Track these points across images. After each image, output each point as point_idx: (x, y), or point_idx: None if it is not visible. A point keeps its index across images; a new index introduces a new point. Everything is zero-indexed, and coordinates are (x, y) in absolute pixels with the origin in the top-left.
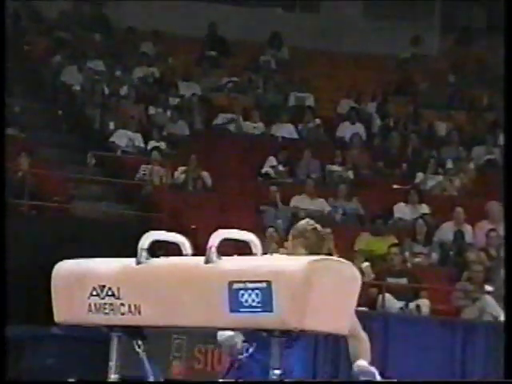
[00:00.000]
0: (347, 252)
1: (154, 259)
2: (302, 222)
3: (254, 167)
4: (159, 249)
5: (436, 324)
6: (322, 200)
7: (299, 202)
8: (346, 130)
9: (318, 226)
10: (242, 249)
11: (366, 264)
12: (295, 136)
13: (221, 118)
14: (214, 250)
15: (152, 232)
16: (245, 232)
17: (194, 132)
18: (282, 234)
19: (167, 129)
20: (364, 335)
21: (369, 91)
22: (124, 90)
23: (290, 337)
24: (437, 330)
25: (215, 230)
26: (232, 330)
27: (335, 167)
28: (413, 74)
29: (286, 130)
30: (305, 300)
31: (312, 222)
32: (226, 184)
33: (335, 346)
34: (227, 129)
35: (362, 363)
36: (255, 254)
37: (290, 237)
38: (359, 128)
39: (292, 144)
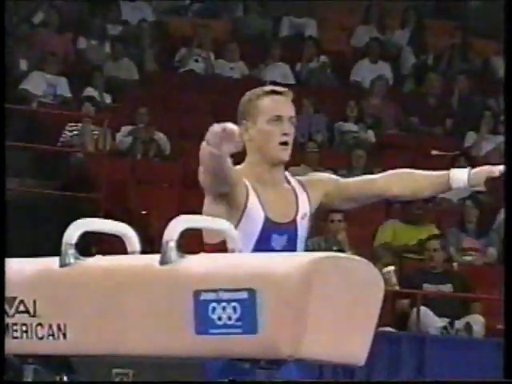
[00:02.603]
0: (365, 247)
1: (86, 259)
2: None
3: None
4: (94, 244)
5: (493, 348)
6: (328, 172)
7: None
8: (364, 72)
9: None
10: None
11: (390, 268)
12: (290, 80)
13: (183, 55)
14: (172, 244)
15: (83, 220)
16: (217, 219)
17: (143, 75)
18: None
19: (105, 70)
20: None
21: (397, 14)
22: (40, 15)
23: (281, 366)
24: (494, 356)
25: (175, 215)
26: (199, 359)
27: (349, 125)
28: None
29: (277, 72)
30: (303, 316)
31: None
32: (190, 150)
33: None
34: (192, 70)
35: None
36: (232, 251)
37: None
38: (383, 68)
39: None
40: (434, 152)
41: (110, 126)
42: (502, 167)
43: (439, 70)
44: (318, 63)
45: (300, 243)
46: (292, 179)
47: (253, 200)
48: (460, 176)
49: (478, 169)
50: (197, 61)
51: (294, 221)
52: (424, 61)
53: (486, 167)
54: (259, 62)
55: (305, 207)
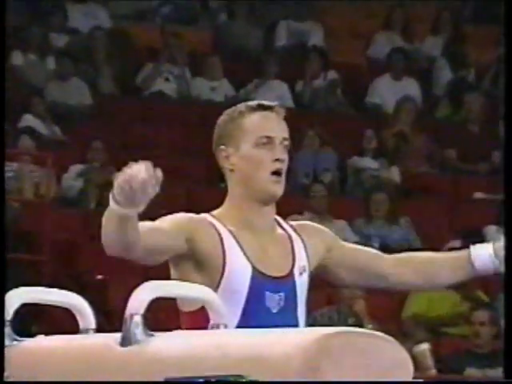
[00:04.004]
0: (390, 320)
1: (24, 341)
2: None
3: (211, 163)
4: (35, 320)
5: None
6: (340, 222)
7: None
8: (385, 92)
9: None
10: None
11: (424, 346)
12: (289, 103)
13: (149, 72)
14: (138, 320)
15: (21, 289)
16: (195, 285)
17: (98, 99)
18: None
19: (48, 93)
20: None
21: (427, 18)
22: None
23: None
24: None
25: (140, 282)
26: None
27: (366, 161)
28: None
29: (271, 93)
30: None
31: None
32: (159, 196)
33: None
34: (161, 92)
35: None
36: (216, 326)
37: None
38: (410, 86)
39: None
40: (478, 195)
41: (54, 166)
42: None
43: (482, 89)
44: (325, 81)
45: (301, 305)
46: (284, 223)
47: (233, 250)
48: (483, 252)
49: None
50: (167, 79)
51: (291, 275)
52: (463, 77)
53: None
54: (248, 81)
55: (302, 259)
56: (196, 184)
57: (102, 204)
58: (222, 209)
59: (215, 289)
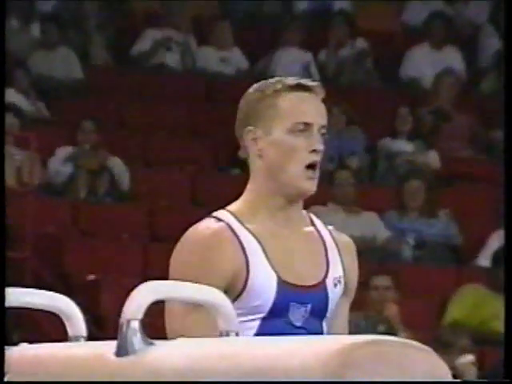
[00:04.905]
0: (428, 327)
1: (6, 350)
2: None
3: (221, 146)
4: (17, 327)
5: None
6: (370, 214)
7: (323, 218)
8: (422, 63)
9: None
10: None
11: (468, 358)
12: (312, 75)
13: (148, 41)
14: (136, 326)
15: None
16: (202, 286)
17: (89, 72)
18: None
19: (33, 64)
20: None
21: None
22: None
23: None
24: None
25: (138, 282)
26: None
27: (400, 143)
28: None
29: (291, 64)
30: None
31: None
32: (159, 184)
33: None
34: (162, 63)
35: None
36: (225, 334)
37: None
38: (452, 57)
39: None
40: None
41: (39, 149)
42: None
43: None
44: (352, 50)
45: (327, 319)
46: (319, 222)
47: (257, 258)
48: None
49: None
50: (169, 49)
51: (323, 284)
52: None
53: None
54: (264, 50)
55: (338, 269)
56: (202, 170)
57: (94, 193)
58: (242, 203)
59: (233, 301)
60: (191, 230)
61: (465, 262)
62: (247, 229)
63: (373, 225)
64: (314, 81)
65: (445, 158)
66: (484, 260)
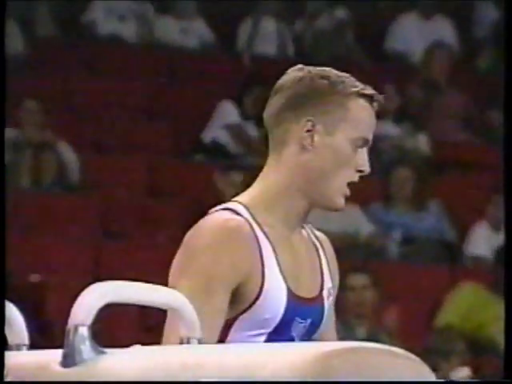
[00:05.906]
0: (415, 331)
1: None
2: None
3: (187, 130)
4: None
5: None
6: (352, 207)
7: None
8: (409, 35)
9: None
10: (159, 325)
11: (464, 372)
12: (286, 50)
13: (99, 9)
14: (85, 333)
15: None
16: (162, 288)
17: (33, 44)
18: None
19: None
20: None
21: None
22: None
23: None
24: None
25: (88, 283)
26: None
27: (385, 126)
28: None
29: (263, 37)
30: None
31: None
32: (115, 173)
33: None
34: (117, 35)
35: None
36: (186, 341)
37: None
38: (443, 28)
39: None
40: None
41: None
42: None
43: None
44: (330, 21)
45: (318, 333)
46: (307, 227)
47: (272, 268)
48: None
49: None
50: (123, 18)
51: (320, 297)
52: None
53: None
54: (232, 21)
55: (328, 279)
56: (161, 157)
57: (38, 181)
58: (257, 195)
59: (241, 313)
60: (209, 217)
61: (458, 260)
62: (263, 231)
63: (355, 218)
64: (288, 54)
65: (436, 142)
66: (475, 249)
